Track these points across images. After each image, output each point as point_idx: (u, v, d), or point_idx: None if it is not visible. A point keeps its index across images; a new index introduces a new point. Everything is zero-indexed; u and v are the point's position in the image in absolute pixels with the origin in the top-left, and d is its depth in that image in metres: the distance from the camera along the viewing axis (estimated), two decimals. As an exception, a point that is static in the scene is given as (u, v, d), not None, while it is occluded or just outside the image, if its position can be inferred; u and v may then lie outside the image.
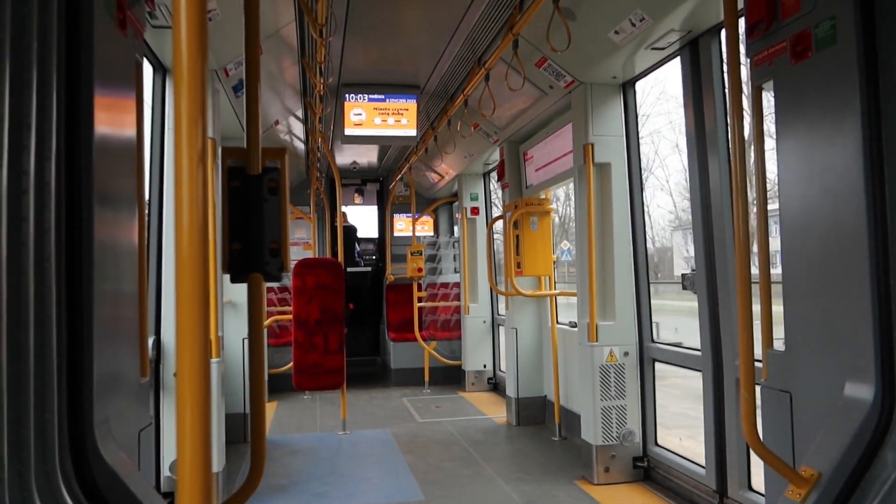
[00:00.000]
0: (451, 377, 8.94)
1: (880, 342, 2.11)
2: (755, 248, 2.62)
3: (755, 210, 2.57)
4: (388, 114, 6.50)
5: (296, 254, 9.61)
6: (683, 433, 6.08)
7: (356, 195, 11.37)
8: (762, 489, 3.02)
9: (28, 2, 1.65)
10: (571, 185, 5.47)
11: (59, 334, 1.67)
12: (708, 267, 3.95)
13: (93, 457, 1.72)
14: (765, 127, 2.55)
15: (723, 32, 3.69)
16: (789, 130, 2.46)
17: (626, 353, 4.78)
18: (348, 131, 6.50)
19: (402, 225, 10.99)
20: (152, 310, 3.93)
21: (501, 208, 7.23)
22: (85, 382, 1.73)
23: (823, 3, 2.28)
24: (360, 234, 11.45)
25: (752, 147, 2.63)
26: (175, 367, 1.01)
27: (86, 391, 1.73)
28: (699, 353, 4.10)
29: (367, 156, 9.77)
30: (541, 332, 6.83)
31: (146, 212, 3.93)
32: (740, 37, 2.56)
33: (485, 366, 8.61)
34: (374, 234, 11.76)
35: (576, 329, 5.47)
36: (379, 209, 11.52)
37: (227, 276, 1.67)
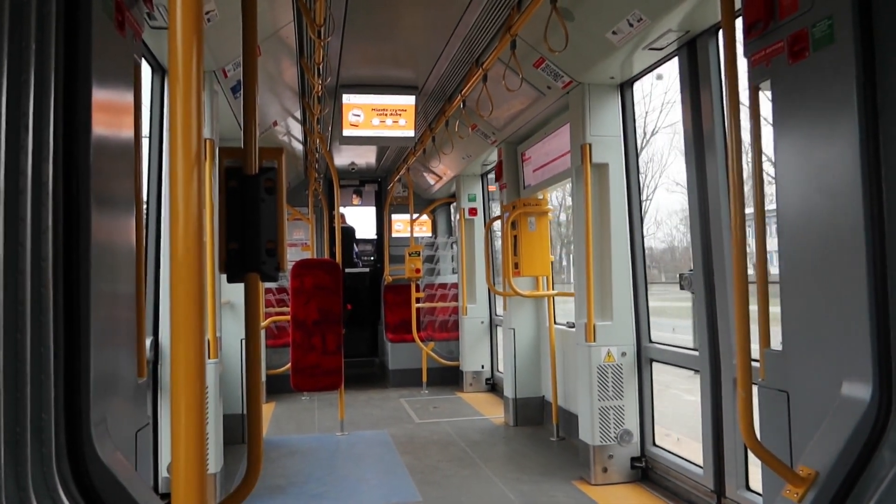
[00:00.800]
0: (448, 378, 8.94)
1: (877, 341, 2.11)
2: (753, 248, 2.62)
3: (752, 209, 2.57)
4: (386, 115, 6.50)
5: (294, 255, 9.60)
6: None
7: (354, 196, 11.37)
8: (760, 489, 3.02)
9: (26, 3, 1.65)
10: (568, 195, 5.46)
11: (56, 335, 1.67)
12: (705, 266, 3.95)
13: (90, 457, 1.72)
14: (762, 127, 2.55)
15: (720, 32, 3.69)
16: (787, 130, 2.46)
17: (623, 354, 4.78)
18: (346, 132, 6.50)
19: (400, 226, 10.98)
20: (150, 310, 3.93)
21: (499, 209, 7.23)
22: (82, 383, 1.73)
23: (821, 3, 2.28)
24: (358, 235, 11.45)
25: (750, 147, 2.63)
26: (171, 368, 1.00)
27: (83, 391, 1.73)
28: (696, 353, 4.10)
29: (365, 157, 9.77)
30: (539, 332, 6.83)
31: (144, 212, 3.93)
32: (738, 37, 2.57)
33: (483, 366, 8.61)
34: (373, 234, 11.76)
35: (573, 329, 5.47)
36: (377, 210, 11.52)
37: (224, 277, 1.67)
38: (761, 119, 2.58)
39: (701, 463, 4.10)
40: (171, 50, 1.04)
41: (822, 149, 2.30)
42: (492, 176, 8.32)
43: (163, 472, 3.87)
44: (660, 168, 24.81)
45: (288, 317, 6.62)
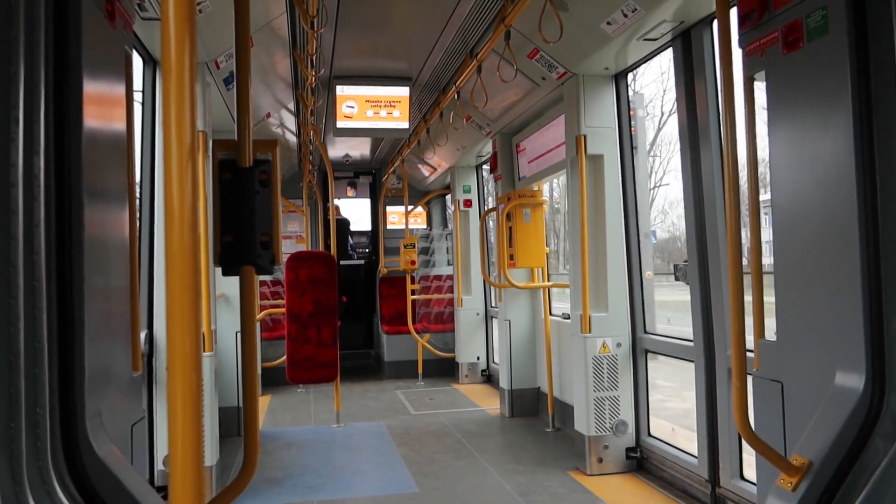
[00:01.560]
0: (444, 369, 8.96)
1: (870, 332, 2.12)
2: (747, 239, 2.63)
3: (747, 200, 2.57)
4: (380, 106, 6.48)
5: (289, 247, 9.59)
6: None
7: (349, 188, 11.34)
8: (754, 478, 3.04)
9: None
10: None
11: (49, 328, 1.66)
12: (700, 257, 3.96)
13: (85, 451, 1.71)
14: (757, 117, 2.55)
15: (715, 23, 3.69)
16: (781, 121, 2.46)
17: (618, 344, 4.80)
18: (340, 124, 6.47)
19: (395, 217, 10.97)
20: (144, 303, 3.91)
21: (494, 200, 7.23)
22: (76, 377, 1.73)
23: None
24: (353, 227, 11.43)
25: (744, 137, 2.63)
26: (166, 361, 1.00)
27: (77, 385, 1.73)
28: (691, 344, 4.12)
29: (359, 148, 9.74)
30: (534, 323, 6.84)
31: (137, 205, 3.91)
32: (732, 27, 2.56)
33: (478, 358, 8.62)
34: (367, 226, 11.74)
35: (569, 320, 5.48)
36: (372, 202, 11.50)
37: (219, 270, 1.66)
38: (756, 109, 2.58)
39: (695, 453, 4.12)
40: (164, 41, 1.03)
41: (816, 139, 2.31)
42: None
43: (158, 466, 3.87)
44: (668, 155, 24.74)
45: (283, 309, 6.62)
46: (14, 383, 1.59)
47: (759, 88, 2.57)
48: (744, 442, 3.08)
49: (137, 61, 3.93)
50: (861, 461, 2.08)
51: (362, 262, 11.20)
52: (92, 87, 1.83)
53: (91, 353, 1.77)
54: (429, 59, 5.86)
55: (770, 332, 2.61)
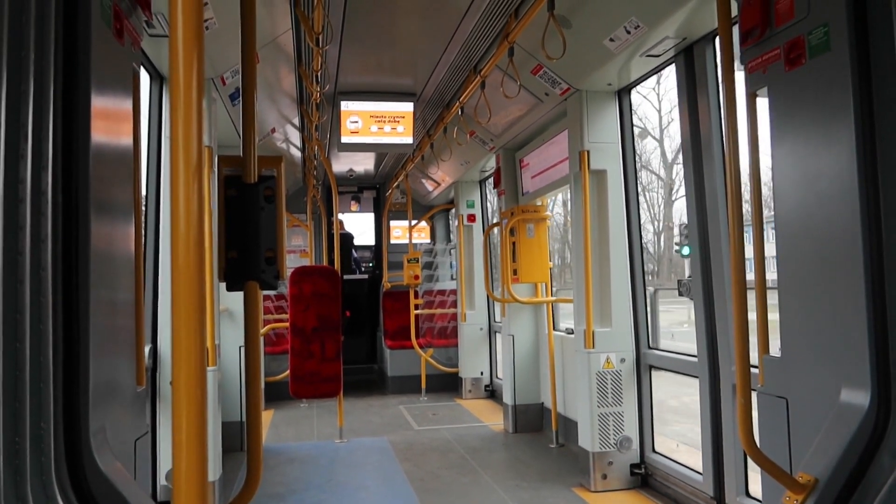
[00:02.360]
0: (447, 384, 8.93)
1: (875, 348, 2.11)
2: (751, 254, 2.62)
3: (750, 216, 2.58)
4: (384, 121, 6.51)
5: (292, 262, 9.60)
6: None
7: (353, 203, 11.37)
8: (759, 495, 3.01)
9: (25, 11, 1.66)
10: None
11: (55, 343, 1.66)
12: (704, 273, 3.96)
13: (88, 466, 1.71)
14: (759, 133, 2.56)
15: (717, 39, 3.71)
16: (784, 137, 2.47)
17: (622, 360, 4.78)
18: (345, 139, 6.51)
19: (398, 232, 10.98)
20: (149, 318, 3.92)
21: (498, 215, 7.24)
22: (81, 391, 1.73)
23: (816, 10, 2.29)
24: (356, 242, 11.44)
25: (747, 153, 2.64)
26: (171, 376, 1.00)
27: (82, 400, 1.73)
28: (696, 360, 4.10)
29: (363, 163, 9.78)
30: (538, 338, 6.82)
31: (143, 220, 3.93)
32: (734, 44, 2.58)
33: (482, 373, 8.59)
34: (371, 241, 11.75)
35: (572, 336, 5.47)
36: (375, 216, 11.52)
37: (223, 284, 1.67)
38: (758, 126, 2.59)
39: (701, 469, 4.09)
40: (172, 58, 1.04)
41: (819, 155, 2.31)
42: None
43: (161, 481, 3.85)
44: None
45: (286, 324, 6.61)
46: (19, 398, 1.59)
47: (762, 105, 2.58)
48: (749, 459, 3.05)
49: (145, 77, 3.97)
50: (867, 478, 2.06)
51: (366, 276, 11.20)
52: (100, 104, 1.85)
53: (95, 368, 1.77)
54: (433, 75, 5.90)
55: (774, 348, 2.60)
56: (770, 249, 2.66)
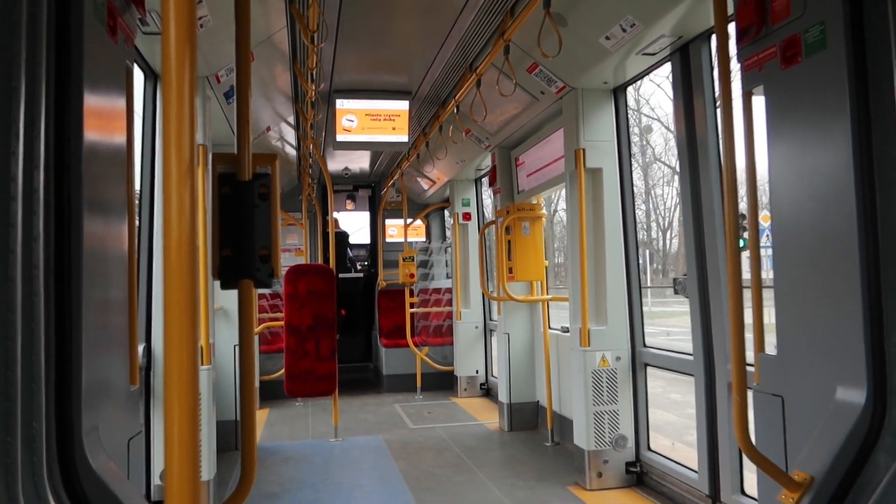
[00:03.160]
0: (443, 383, 8.92)
1: (871, 346, 2.12)
2: (747, 253, 2.62)
3: (746, 214, 2.58)
4: (379, 120, 6.50)
5: (287, 260, 9.58)
6: None
7: (348, 201, 11.35)
8: (755, 493, 3.02)
9: (17, 8, 1.64)
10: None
11: (47, 342, 1.65)
12: (700, 271, 3.96)
13: (81, 466, 1.70)
14: (755, 132, 2.56)
15: (713, 38, 3.71)
16: (780, 135, 2.47)
17: (618, 358, 4.78)
18: (340, 137, 6.50)
19: (394, 231, 10.97)
20: (142, 317, 3.90)
21: (493, 213, 7.24)
22: (73, 390, 1.72)
23: (812, 9, 2.29)
24: (351, 240, 11.43)
25: (743, 151, 2.64)
26: (164, 375, 1.00)
27: (74, 399, 1.72)
28: (691, 358, 4.10)
29: (358, 162, 9.76)
30: (533, 337, 6.83)
31: (136, 218, 3.92)
32: (731, 42, 2.58)
33: (477, 371, 8.59)
34: (366, 239, 11.74)
35: (568, 334, 5.47)
36: (371, 215, 11.51)
37: (218, 283, 1.66)
38: (754, 124, 2.59)
39: (696, 467, 4.10)
40: (165, 56, 1.03)
41: (815, 154, 2.31)
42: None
43: (155, 480, 3.84)
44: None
45: (281, 322, 6.61)
46: (10, 397, 1.58)
47: (758, 103, 2.58)
48: (745, 457, 3.06)
49: (139, 75, 3.94)
50: (863, 476, 2.06)
51: (361, 275, 11.18)
52: (93, 101, 1.83)
53: (88, 367, 1.76)
54: (428, 73, 5.89)
55: (770, 346, 2.60)
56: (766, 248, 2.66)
